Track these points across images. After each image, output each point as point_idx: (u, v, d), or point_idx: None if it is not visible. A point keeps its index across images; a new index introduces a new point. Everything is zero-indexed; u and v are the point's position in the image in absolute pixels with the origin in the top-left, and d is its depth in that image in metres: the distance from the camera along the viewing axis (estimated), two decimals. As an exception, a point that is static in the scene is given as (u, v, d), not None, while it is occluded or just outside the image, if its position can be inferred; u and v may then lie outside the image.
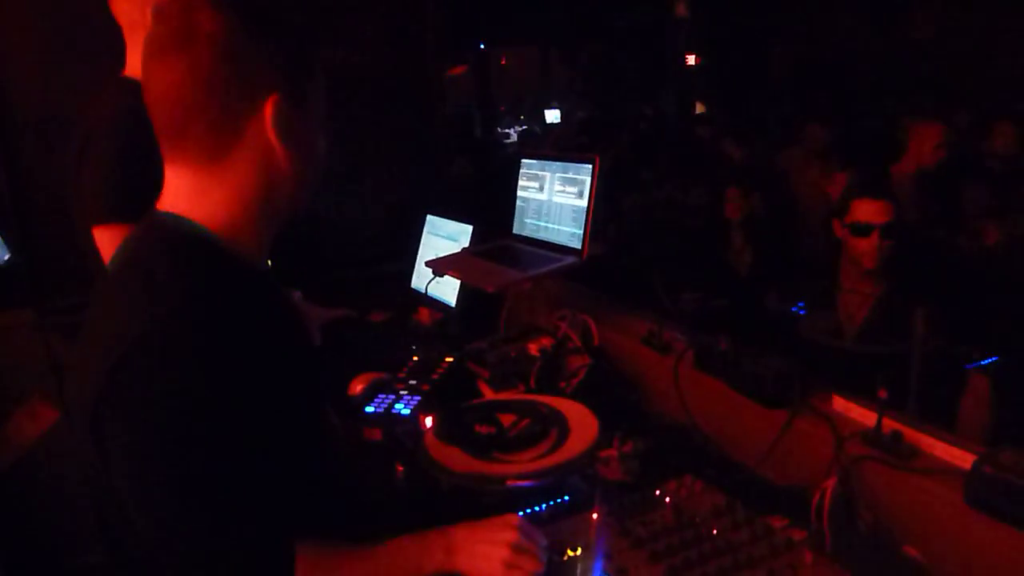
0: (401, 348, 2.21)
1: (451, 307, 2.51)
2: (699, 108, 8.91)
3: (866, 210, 2.23)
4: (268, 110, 1.01)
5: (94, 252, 1.76)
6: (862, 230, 2.20)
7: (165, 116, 1.01)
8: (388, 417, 1.82)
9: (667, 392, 1.76)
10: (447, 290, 2.51)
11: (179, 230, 1.02)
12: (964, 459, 1.24)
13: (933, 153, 3.49)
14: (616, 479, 1.45)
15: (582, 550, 1.23)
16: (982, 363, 1.89)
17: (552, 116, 10.95)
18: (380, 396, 1.90)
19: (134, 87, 1.79)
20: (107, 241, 1.69)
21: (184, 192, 1.04)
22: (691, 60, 9.43)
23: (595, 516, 1.30)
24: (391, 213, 3.17)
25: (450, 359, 2.04)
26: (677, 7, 9.96)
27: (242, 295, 1.03)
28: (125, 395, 0.89)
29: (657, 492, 1.37)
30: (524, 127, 10.97)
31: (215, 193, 1.03)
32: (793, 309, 2.31)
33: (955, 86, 6.38)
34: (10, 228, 2.66)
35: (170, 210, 1.04)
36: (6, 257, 2.63)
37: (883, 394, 1.28)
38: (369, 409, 1.84)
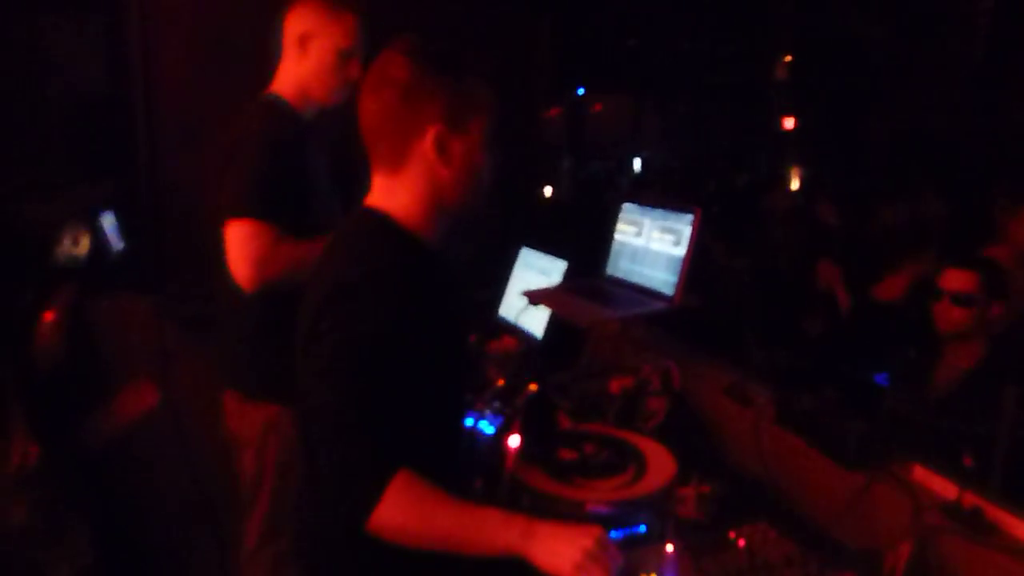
0: (482, 371, 2.30)
1: (536, 338, 2.60)
2: (794, 175, 8.84)
3: (951, 279, 2.27)
4: (430, 136, 1.32)
5: (220, 246, 1.93)
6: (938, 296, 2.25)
7: (367, 137, 1.37)
8: (472, 433, 1.91)
9: (744, 443, 1.80)
10: (533, 322, 2.61)
11: (374, 217, 1.38)
12: (1045, 541, 1.25)
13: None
14: (691, 517, 1.50)
15: (655, 577, 1.28)
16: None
17: (638, 165, 11.06)
18: (466, 413, 1.99)
19: (280, 111, 2.00)
20: (237, 234, 1.87)
21: (379, 192, 1.39)
22: (789, 124, 9.39)
23: (669, 548, 1.36)
24: (486, 242, 3.29)
25: (534, 387, 2.13)
26: (777, 68, 9.96)
27: (414, 265, 1.36)
28: (328, 316, 1.27)
29: (732, 534, 1.42)
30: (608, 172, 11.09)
31: (399, 194, 1.37)
32: (877, 378, 2.32)
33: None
34: (141, 221, 2.90)
35: (371, 204, 1.39)
36: (121, 246, 2.87)
37: (968, 462, 1.30)
38: (455, 424, 1.94)
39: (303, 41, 2.01)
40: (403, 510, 1.20)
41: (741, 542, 1.40)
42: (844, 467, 1.57)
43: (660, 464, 1.63)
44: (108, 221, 2.75)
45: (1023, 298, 3.31)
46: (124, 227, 2.84)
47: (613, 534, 1.44)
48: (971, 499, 1.37)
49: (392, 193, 1.38)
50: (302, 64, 2.02)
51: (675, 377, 2.07)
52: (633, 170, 10.39)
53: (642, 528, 1.47)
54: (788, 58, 9.46)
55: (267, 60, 2.08)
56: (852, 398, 2.14)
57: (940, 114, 7.90)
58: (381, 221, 1.37)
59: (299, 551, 1.48)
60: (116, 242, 2.82)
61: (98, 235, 2.74)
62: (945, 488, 1.44)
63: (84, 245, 2.67)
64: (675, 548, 1.35)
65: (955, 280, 2.32)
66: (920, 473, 1.51)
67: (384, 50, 1.35)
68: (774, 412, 1.78)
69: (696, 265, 2.01)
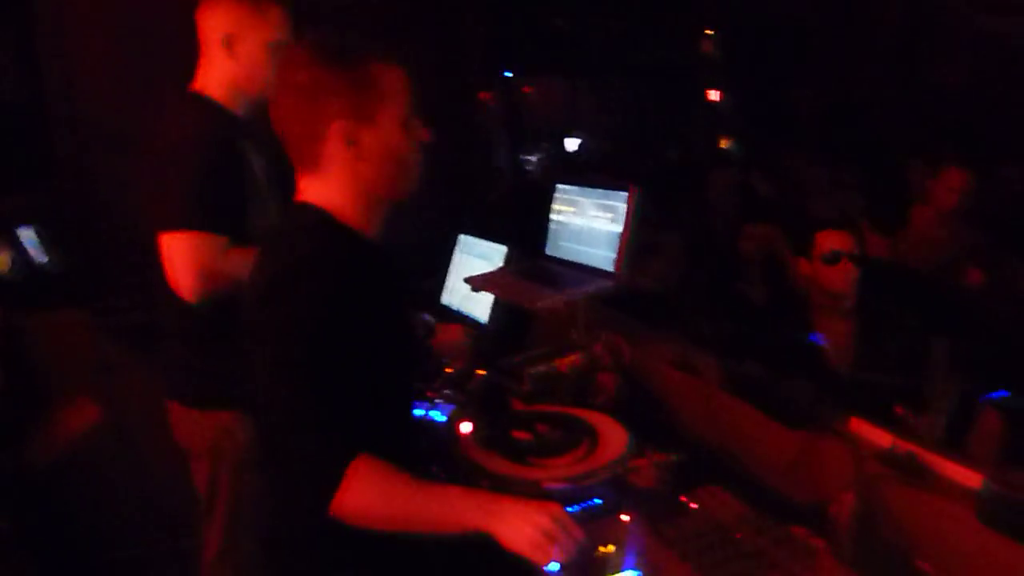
0: (433, 360, 2.31)
1: (482, 324, 2.61)
2: (724, 144, 9.02)
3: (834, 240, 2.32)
4: (335, 133, 1.31)
5: (156, 257, 1.88)
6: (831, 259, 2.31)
7: (281, 140, 1.37)
8: (423, 424, 1.92)
9: (694, 411, 1.85)
10: (478, 308, 2.62)
11: (307, 212, 1.38)
12: (975, 479, 1.32)
13: (950, 195, 3.57)
14: (647, 487, 1.54)
15: (614, 548, 1.32)
16: (993, 396, 1.97)
17: (572, 145, 11.11)
18: (415, 404, 2.00)
19: (213, 111, 1.95)
20: (179, 246, 1.81)
21: (307, 190, 1.38)
22: (715, 96, 9.55)
23: (626, 518, 1.40)
24: (424, 230, 3.28)
25: (483, 372, 2.15)
26: (704, 43, 10.12)
27: (352, 257, 1.36)
28: (268, 312, 1.30)
29: (685, 499, 1.46)
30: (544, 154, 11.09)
31: (326, 190, 1.37)
32: (812, 338, 2.38)
33: (983, 134, 6.45)
34: (67, 233, 2.80)
35: (302, 199, 1.39)
36: (44, 260, 2.77)
37: (899, 411, 1.36)
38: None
39: (229, 42, 1.93)
40: (365, 492, 1.22)
41: (695, 506, 1.44)
42: (788, 427, 1.63)
43: (613, 438, 1.66)
44: (28, 235, 2.66)
45: (944, 253, 3.46)
46: (47, 240, 2.75)
47: (571, 509, 1.47)
48: (905, 446, 1.44)
49: (319, 190, 1.37)
50: (229, 63, 1.95)
51: (624, 352, 2.11)
52: (567, 151, 10.44)
53: (599, 501, 1.50)
54: (710, 32, 9.60)
55: (194, 58, 2.02)
56: (793, 360, 2.22)
57: (864, 82, 8.15)
58: (315, 215, 1.37)
59: (263, 552, 1.47)
60: (39, 256, 2.72)
61: (18, 250, 2.65)
62: (880, 438, 1.51)
63: (3, 262, 2.57)
64: (631, 518, 1.39)
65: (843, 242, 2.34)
66: (857, 425, 1.57)
67: (288, 49, 1.40)
68: (720, 379, 1.84)
69: (638, 240, 2.05)
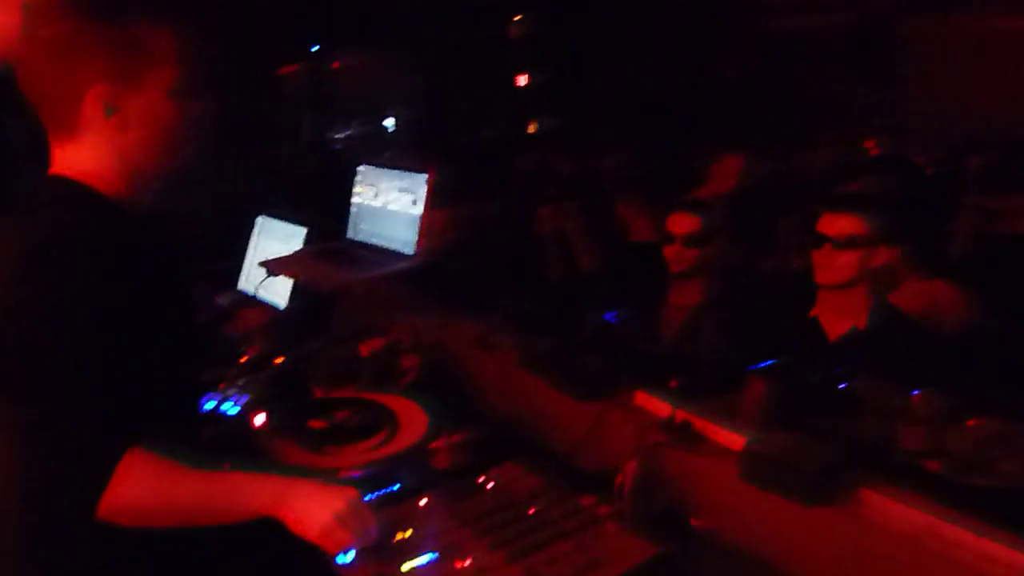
0: (225, 348, 2.19)
1: (280, 308, 2.50)
2: (532, 127, 9.26)
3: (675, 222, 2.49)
4: (91, 98, 1.17)
5: None
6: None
7: (31, 103, 1.21)
8: (213, 417, 1.81)
9: (494, 389, 1.89)
10: (277, 292, 2.51)
11: (59, 183, 1.23)
12: (741, 442, 1.45)
13: (728, 180, 3.90)
14: (446, 468, 1.55)
15: (412, 532, 1.31)
16: (761, 365, 2.18)
17: (387, 122, 10.95)
18: (206, 396, 1.88)
19: None
20: None
21: (62, 160, 1.23)
22: (522, 81, 9.78)
23: (423, 502, 1.40)
24: (218, 211, 3.09)
25: (280, 359, 2.06)
26: (512, 26, 10.29)
27: (112, 231, 1.20)
28: (17, 282, 1.14)
29: (481, 478, 1.49)
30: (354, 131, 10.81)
31: (82, 160, 1.22)
32: (607, 317, 2.52)
33: (765, 123, 7.11)
34: None
35: (56, 171, 1.24)
36: None
37: (674, 384, 1.47)
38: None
39: None
40: (138, 488, 1.13)
41: (490, 484, 1.47)
42: (579, 400, 1.70)
43: (413, 421, 1.66)
44: None
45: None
46: None
47: (370, 496, 1.45)
48: (681, 415, 1.55)
49: (75, 160, 1.23)
50: None
51: (426, 334, 2.10)
52: (386, 130, 10.27)
53: (397, 486, 1.49)
54: (519, 17, 9.80)
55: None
56: (588, 337, 2.33)
57: (661, 71, 8.69)
58: (68, 188, 1.22)
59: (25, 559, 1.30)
60: None
61: None
62: (662, 408, 1.62)
63: None
64: (428, 501, 1.39)
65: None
66: (641, 398, 1.68)
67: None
68: (517, 357, 1.88)
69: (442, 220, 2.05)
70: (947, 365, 2.13)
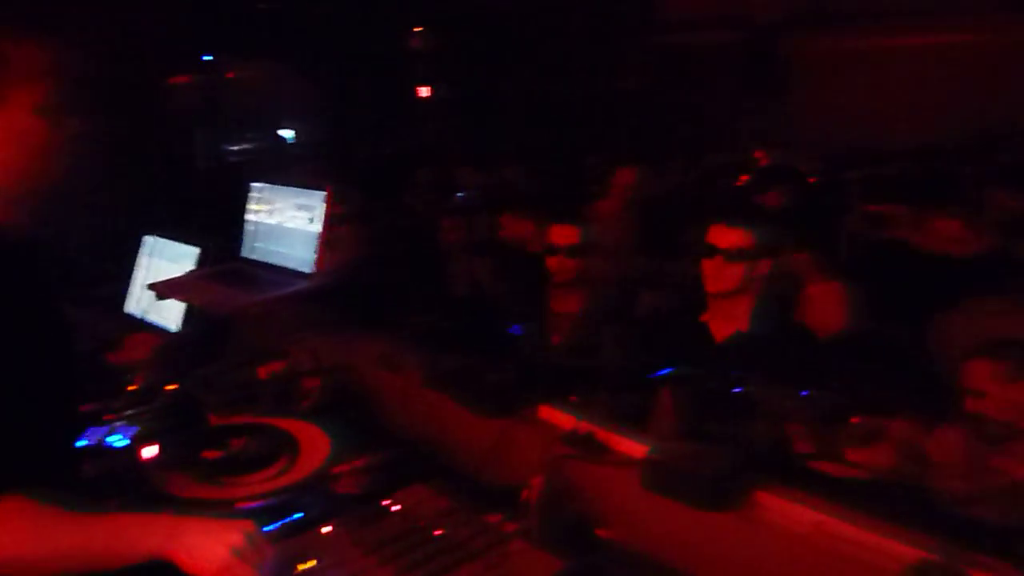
0: (113, 377, 2.07)
1: (171, 333, 2.39)
2: (434, 139, 9.23)
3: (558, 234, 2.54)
4: None
5: None
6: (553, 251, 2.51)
7: None
8: (99, 451, 1.71)
9: (399, 410, 1.86)
10: (168, 315, 2.40)
11: None
12: (643, 451, 1.48)
13: (627, 192, 4.01)
14: (349, 494, 1.51)
15: (316, 563, 1.27)
16: (664, 372, 2.24)
17: (287, 135, 10.68)
18: (89, 429, 1.78)
19: None
20: None
21: None
22: (425, 92, 9.76)
23: (327, 531, 1.36)
24: (103, 231, 2.93)
25: (173, 387, 1.97)
26: (412, 40, 10.26)
27: None
28: None
29: (387, 502, 1.46)
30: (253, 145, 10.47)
31: None
32: (512, 330, 2.53)
33: (660, 136, 7.34)
34: None
35: None
36: None
37: (574, 399, 1.49)
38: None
39: None
40: (13, 537, 1.06)
41: (395, 508, 1.44)
42: (485, 417, 1.70)
43: (314, 447, 1.61)
44: None
45: (625, 243, 3.87)
46: None
47: (269, 527, 1.40)
48: (585, 427, 1.57)
49: None
50: None
51: (327, 354, 2.05)
52: (285, 144, 9.99)
53: (299, 515, 1.44)
54: (419, 28, 9.79)
55: None
56: (492, 351, 2.33)
57: (560, 80, 8.85)
58: None
59: None
60: None
61: None
62: (566, 421, 1.63)
63: None
64: (332, 529, 1.35)
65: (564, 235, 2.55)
66: (546, 412, 1.69)
67: None
68: (422, 375, 1.86)
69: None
70: (830, 366, 2.25)
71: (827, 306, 2.63)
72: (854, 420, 1.88)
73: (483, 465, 1.66)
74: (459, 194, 4.25)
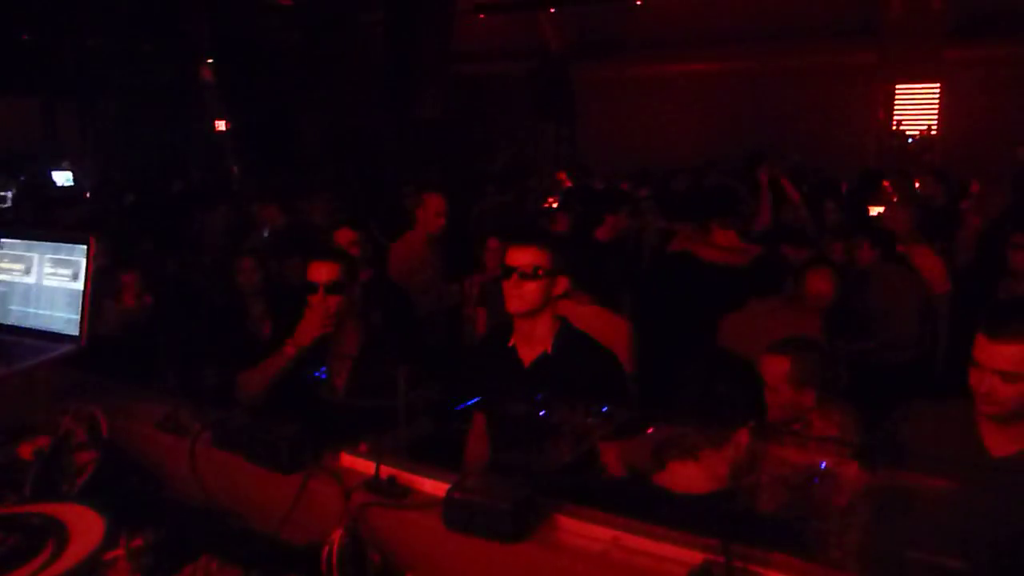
0: None
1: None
2: (230, 174, 8.81)
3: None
4: None
5: None
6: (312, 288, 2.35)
7: None
8: None
9: (186, 475, 1.72)
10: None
11: None
12: (443, 490, 1.46)
13: (435, 220, 4.02)
14: (133, 579, 1.37)
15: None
16: (470, 403, 2.25)
17: (63, 178, 9.75)
18: None
19: None
20: None
21: None
22: (221, 126, 9.33)
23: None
24: None
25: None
26: (202, 71, 9.80)
27: None
28: None
29: (171, 583, 1.34)
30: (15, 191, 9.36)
31: None
32: (316, 374, 2.42)
33: (459, 162, 7.47)
34: None
35: None
36: None
37: (364, 448, 1.44)
38: None
39: None
40: None
41: (181, 587, 1.32)
42: (281, 473, 1.61)
43: (86, 530, 1.44)
44: None
45: (428, 274, 3.87)
46: None
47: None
48: (386, 471, 1.53)
49: None
50: None
51: (102, 424, 1.86)
52: (53, 188, 9.06)
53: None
54: (210, 60, 9.37)
55: None
56: (291, 400, 2.23)
57: (365, 114, 8.77)
58: None
59: None
60: None
61: None
62: (367, 467, 1.58)
63: None
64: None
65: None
66: (347, 459, 1.63)
67: None
68: (211, 436, 1.74)
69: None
70: (627, 381, 2.36)
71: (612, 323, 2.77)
72: (650, 431, 1.98)
73: (283, 522, 1.56)
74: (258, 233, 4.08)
